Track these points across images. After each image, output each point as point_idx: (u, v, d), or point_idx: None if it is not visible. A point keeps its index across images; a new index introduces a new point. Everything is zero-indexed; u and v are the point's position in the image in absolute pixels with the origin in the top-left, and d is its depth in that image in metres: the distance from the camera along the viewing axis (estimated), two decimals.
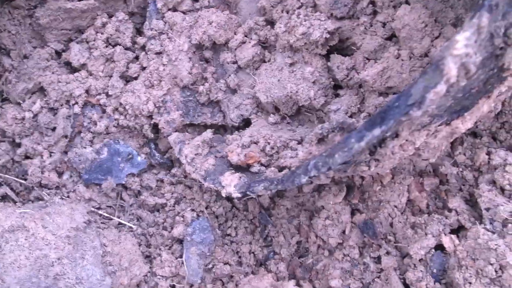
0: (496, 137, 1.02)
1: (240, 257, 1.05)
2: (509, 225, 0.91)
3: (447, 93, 0.71)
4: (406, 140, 0.81)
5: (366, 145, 0.70)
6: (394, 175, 1.02)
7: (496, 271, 0.88)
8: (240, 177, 0.93)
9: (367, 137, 0.70)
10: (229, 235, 1.06)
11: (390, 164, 0.85)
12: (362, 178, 1.04)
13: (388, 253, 0.99)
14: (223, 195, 0.93)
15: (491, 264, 0.88)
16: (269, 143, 0.97)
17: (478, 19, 0.66)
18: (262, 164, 0.97)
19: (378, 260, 1.00)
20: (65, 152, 1.07)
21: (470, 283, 0.89)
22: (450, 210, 0.98)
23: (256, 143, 0.98)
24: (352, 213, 1.03)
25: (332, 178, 1.03)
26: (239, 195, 0.91)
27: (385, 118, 0.69)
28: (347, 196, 1.04)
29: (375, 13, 1.05)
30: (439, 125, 0.81)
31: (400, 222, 1.00)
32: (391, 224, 1.01)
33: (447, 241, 0.94)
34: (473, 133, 1.04)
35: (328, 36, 0.99)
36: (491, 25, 0.69)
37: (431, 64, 0.69)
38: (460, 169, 1.01)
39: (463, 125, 0.84)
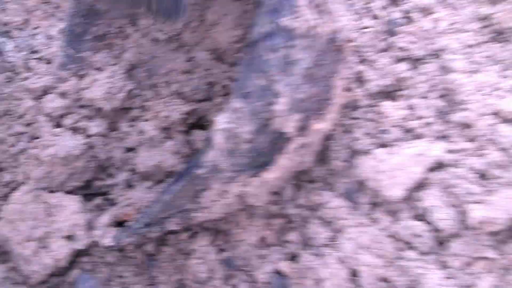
0: (327, 180, 1.30)
1: None
2: (323, 248, 1.17)
3: (232, 155, 1.00)
4: (223, 191, 1.08)
5: (170, 198, 0.99)
6: (249, 218, 1.30)
7: None
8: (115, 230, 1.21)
9: (171, 191, 0.99)
10: (119, 277, 1.32)
11: (220, 209, 1.12)
12: (226, 223, 1.31)
13: (243, 281, 1.25)
14: (101, 245, 1.21)
15: None
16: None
17: (232, 104, 0.96)
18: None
19: (236, 287, 1.25)
20: None
21: None
22: (288, 242, 1.25)
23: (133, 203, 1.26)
24: (218, 252, 1.30)
25: (200, 225, 1.31)
26: (112, 244, 1.19)
27: (179, 177, 0.98)
28: (214, 239, 1.30)
29: (226, 94, 1.36)
30: (248, 178, 1.08)
31: (254, 256, 1.26)
32: (247, 258, 1.27)
33: (283, 266, 1.21)
34: (311, 180, 1.31)
35: (185, 116, 1.30)
36: (251, 105, 0.98)
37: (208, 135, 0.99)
38: (300, 209, 1.28)
39: (272, 175, 1.11)
